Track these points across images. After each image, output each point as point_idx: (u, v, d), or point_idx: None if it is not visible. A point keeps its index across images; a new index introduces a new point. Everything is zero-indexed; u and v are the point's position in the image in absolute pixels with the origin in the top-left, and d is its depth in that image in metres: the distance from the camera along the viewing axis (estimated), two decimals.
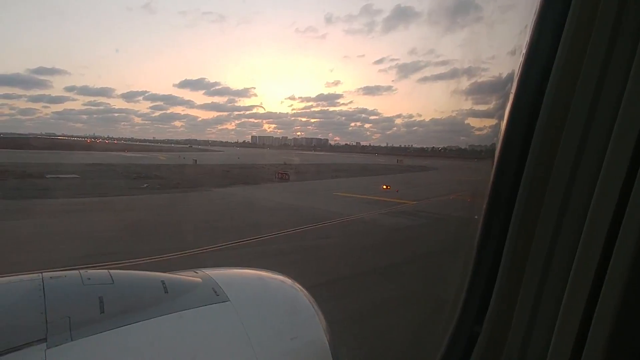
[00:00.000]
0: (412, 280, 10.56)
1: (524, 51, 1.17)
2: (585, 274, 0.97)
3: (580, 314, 0.98)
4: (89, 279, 1.29)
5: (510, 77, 1.23)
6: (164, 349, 1.20)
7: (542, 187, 1.10)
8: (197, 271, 1.63)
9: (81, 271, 1.33)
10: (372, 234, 17.13)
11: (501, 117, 1.23)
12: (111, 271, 1.37)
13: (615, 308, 0.88)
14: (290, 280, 1.75)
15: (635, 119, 0.90)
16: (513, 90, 1.20)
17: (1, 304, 1.16)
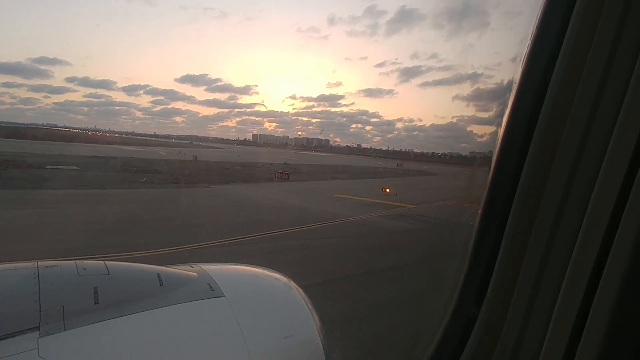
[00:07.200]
0: (412, 280, 10.55)
1: (523, 60, 1.18)
2: (582, 270, 0.98)
3: (578, 303, 0.98)
4: (85, 269, 1.29)
5: (512, 85, 1.23)
6: (157, 341, 1.20)
7: (541, 186, 1.12)
8: (193, 265, 1.63)
9: (77, 261, 1.33)
10: (370, 235, 17.11)
11: (500, 125, 1.24)
12: (107, 262, 1.37)
13: (613, 299, 0.89)
14: (286, 279, 1.75)
15: (630, 138, 0.90)
16: (511, 99, 1.20)
17: None
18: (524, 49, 1.19)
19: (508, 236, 1.18)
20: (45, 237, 12.40)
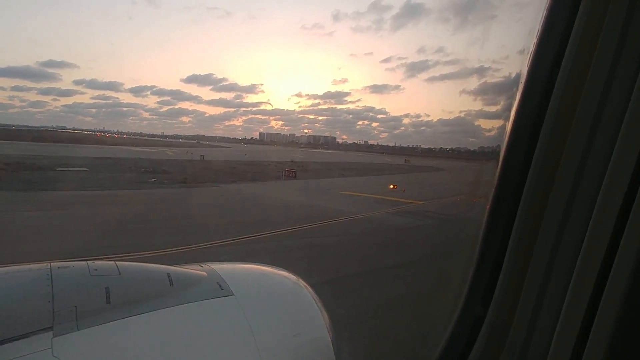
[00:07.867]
0: (419, 279, 10.51)
1: (530, 53, 1.16)
2: (589, 269, 0.97)
3: (584, 304, 0.98)
4: (96, 269, 1.31)
5: (520, 78, 1.22)
6: (168, 340, 1.21)
7: (548, 182, 1.11)
8: (202, 265, 1.65)
9: (88, 262, 1.35)
10: (376, 233, 17.07)
11: (507, 119, 1.23)
12: (118, 262, 1.39)
13: (621, 299, 0.88)
14: (294, 277, 1.75)
15: (639, 131, 0.89)
16: (519, 92, 1.19)
17: (9, 292, 1.18)
18: (532, 41, 1.18)
19: (515, 235, 1.17)
20: (49, 238, 12.56)
